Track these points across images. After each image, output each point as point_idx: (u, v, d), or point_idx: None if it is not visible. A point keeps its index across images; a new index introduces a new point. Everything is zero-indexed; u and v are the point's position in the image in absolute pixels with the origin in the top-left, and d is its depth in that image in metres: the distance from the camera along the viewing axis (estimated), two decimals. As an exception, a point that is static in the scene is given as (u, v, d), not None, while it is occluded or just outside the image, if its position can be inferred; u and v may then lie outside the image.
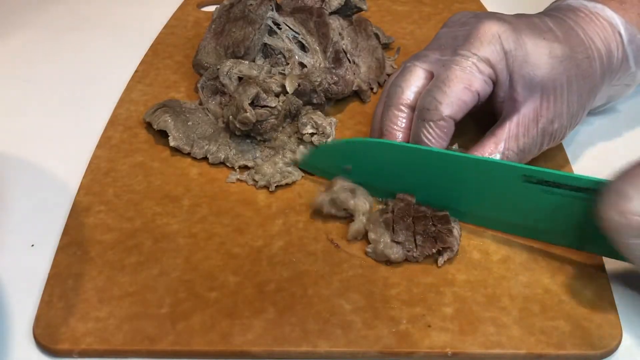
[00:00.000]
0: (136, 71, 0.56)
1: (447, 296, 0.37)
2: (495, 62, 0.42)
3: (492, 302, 0.37)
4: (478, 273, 0.39)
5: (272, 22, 0.51)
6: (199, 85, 0.50)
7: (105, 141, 0.48)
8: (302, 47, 0.51)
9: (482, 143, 0.42)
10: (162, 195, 0.44)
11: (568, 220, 0.38)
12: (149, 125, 0.49)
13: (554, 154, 0.46)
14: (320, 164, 0.45)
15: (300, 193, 0.44)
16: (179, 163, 0.47)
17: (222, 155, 0.46)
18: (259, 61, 0.51)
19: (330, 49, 0.51)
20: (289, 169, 0.45)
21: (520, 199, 0.39)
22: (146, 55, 0.58)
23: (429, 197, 0.41)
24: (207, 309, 0.37)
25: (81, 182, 0.45)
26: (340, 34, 0.53)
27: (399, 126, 0.43)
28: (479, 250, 0.40)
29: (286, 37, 0.51)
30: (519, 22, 0.43)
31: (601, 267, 0.39)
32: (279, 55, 0.51)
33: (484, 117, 0.45)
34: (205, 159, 0.46)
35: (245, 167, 0.46)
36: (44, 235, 0.42)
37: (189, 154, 0.47)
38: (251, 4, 0.52)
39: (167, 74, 0.56)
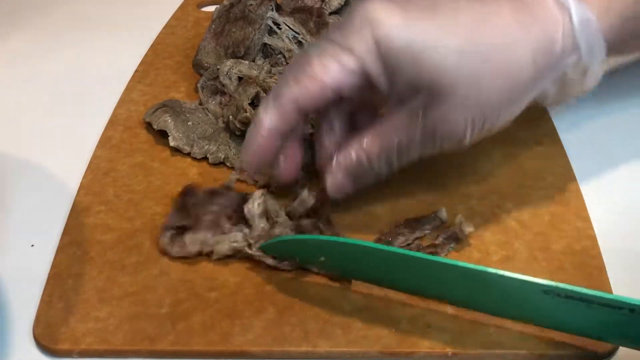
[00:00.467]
0: (136, 71, 0.56)
1: (447, 296, 0.37)
2: (362, 54, 0.35)
3: (492, 302, 0.37)
4: (478, 273, 0.39)
5: (272, 22, 0.51)
6: (199, 85, 0.50)
7: (105, 141, 0.48)
8: (302, 47, 0.51)
9: (359, 135, 0.38)
10: (162, 195, 0.44)
11: (604, 326, 0.33)
12: (149, 125, 0.49)
13: (553, 152, 0.46)
14: (288, 253, 0.38)
15: (300, 193, 0.44)
16: (179, 163, 0.47)
17: (222, 155, 0.46)
18: (259, 61, 0.51)
19: (330, 49, 0.51)
20: None
21: (541, 307, 0.33)
22: (146, 55, 0.58)
23: (424, 293, 0.37)
24: (207, 309, 0.37)
25: (81, 182, 0.45)
26: (340, 34, 0.53)
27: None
28: (479, 250, 0.40)
29: (286, 37, 0.51)
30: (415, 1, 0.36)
31: (601, 267, 0.39)
32: (279, 55, 0.51)
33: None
34: (205, 158, 0.46)
35: None
36: (44, 235, 0.42)
37: (189, 154, 0.47)
38: (251, 4, 0.52)
39: (167, 74, 0.56)
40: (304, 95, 0.37)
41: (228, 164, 0.46)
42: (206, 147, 0.46)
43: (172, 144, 0.47)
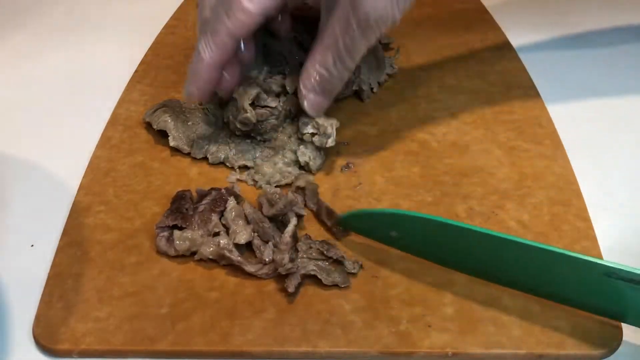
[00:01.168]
0: (136, 71, 0.56)
1: (447, 296, 0.37)
2: None
3: (492, 302, 0.37)
4: (478, 273, 0.39)
5: (272, 22, 0.51)
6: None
7: (105, 141, 0.48)
8: (302, 47, 0.51)
9: (310, 54, 0.43)
10: (162, 195, 0.44)
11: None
12: (148, 125, 0.49)
13: (553, 152, 0.46)
14: (361, 227, 0.40)
15: (300, 193, 0.44)
16: (179, 163, 0.47)
17: (221, 155, 0.46)
18: (259, 61, 0.51)
19: (330, 49, 0.51)
20: (289, 169, 0.45)
21: (602, 290, 0.34)
22: (146, 55, 0.58)
23: (486, 274, 0.38)
24: (207, 309, 0.37)
25: (81, 182, 0.45)
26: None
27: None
28: (479, 250, 0.40)
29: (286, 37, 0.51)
30: None
31: (601, 267, 0.39)
32: (279, 56, 0.51)
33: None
34: (205, 159, 0.46)
35: (245, 167, 0.46)
36: (44, 235, 0.42)
37: (188, 154, 0.47)
38: (251, 4, 0.51)
39: (167, 74, 0.56)
40: (238, 28, 0.41)
41: (228, 164, 0.46)
42: (206, 147, 0.46)
43: (172, 144, 0.47)
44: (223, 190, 0.42)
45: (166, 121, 0.47)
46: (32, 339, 0.36)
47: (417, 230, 0.38)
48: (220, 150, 0.46)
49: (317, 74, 0.43)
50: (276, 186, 0.44)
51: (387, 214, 0.39)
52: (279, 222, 0.41)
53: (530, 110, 0.51)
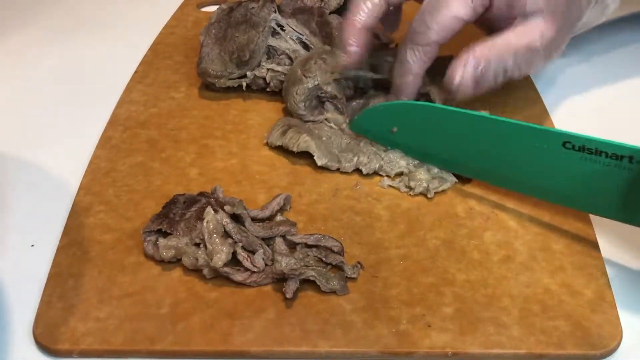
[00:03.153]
0: (136, 71, 0.56)
1: (447, 296, 0.37)
2: None
3: (492, 302, 0.37)
4: (478, 273, 0.39)
5: (276, 23, 0.51)
6: (297, 103, 0.48)
7: (105, 141, 0.48)
8: (306, 47, 0.51)
9: (480, 44, 0.44)
10: (162, 195, 0.44)
11: (608, 188, 0.37)
12: (149, 127, 0.49)
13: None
14: (369, 127, 0.46)
15: (300, 193, 0.44)
16: (179, 163, 0.47)
17: (376, 165, 0.45)
18: (264, 63, 0.50)
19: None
20: (443, 174, 0.44)
21: (561, 165, 0.39)
22: (146, 55, 0.58)
23: (468, 160, 0.43)
24: (207, 309, 0.37)
25: (81, 182, 0.45)
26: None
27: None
28: (479, 250, 0.40)
29: (290, 38, 0.51)
30: None
31: (601, 267, 0.39)
32: (282, 56, 0.51)
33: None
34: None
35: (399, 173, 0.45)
36: (44, 235, 0.42)
37: (338, 170, 0.45)
38: (253, 7, 0.51)
39: (167, 74, 0.56)
40: (443, 36, 0.44)
41: (382, 173, 0.45)
42: (356, 160, 0.45)
43: (320, 163, 0.45)
44: (204, 199, 0.40)
45: (307, 141, 0.45)
46: (32, 339, 0.36)
47: (414, 120, 0.43)
48: (372, 161, 0.45)
49: (475, 62, 0.44)
50: (435, 192, 0.43)
51: (390, 105, 0.45)
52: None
53: (530, 110, 0.51)
